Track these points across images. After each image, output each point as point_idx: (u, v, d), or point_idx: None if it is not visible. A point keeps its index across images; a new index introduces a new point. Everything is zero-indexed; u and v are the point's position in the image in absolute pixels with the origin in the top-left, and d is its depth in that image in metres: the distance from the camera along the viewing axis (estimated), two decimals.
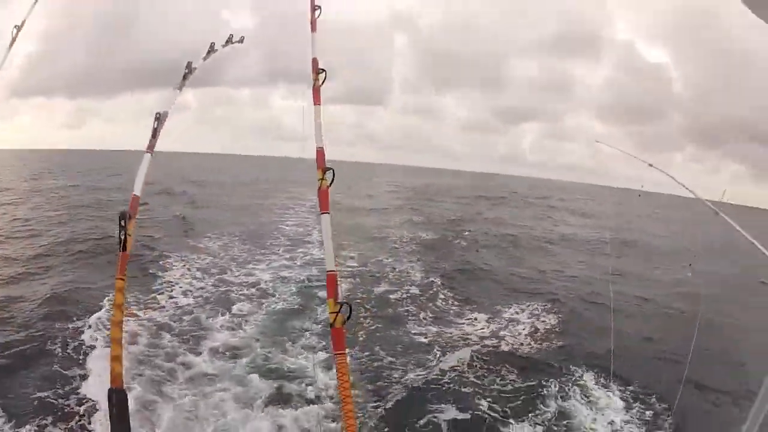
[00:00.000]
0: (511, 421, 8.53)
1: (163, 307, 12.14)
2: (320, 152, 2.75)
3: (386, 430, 7.93)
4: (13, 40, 4.59)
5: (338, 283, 2.33)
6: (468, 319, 13.46)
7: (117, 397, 2.09)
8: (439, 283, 16.19)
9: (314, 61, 3.19)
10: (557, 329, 12.78)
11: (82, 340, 9.65)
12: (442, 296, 15.09)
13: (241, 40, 4.96)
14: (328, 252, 2.38)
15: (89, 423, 7.18)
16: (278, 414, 7.95)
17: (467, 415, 8.57)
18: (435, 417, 8.43)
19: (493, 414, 8.70)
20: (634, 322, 13.45)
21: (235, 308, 12.49)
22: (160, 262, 15.61)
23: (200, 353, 9.86)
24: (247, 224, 24.19)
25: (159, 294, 13.00)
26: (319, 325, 11.40)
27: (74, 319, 10.53)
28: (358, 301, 13.64)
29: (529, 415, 8.71)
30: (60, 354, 9.15)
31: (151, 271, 14.69)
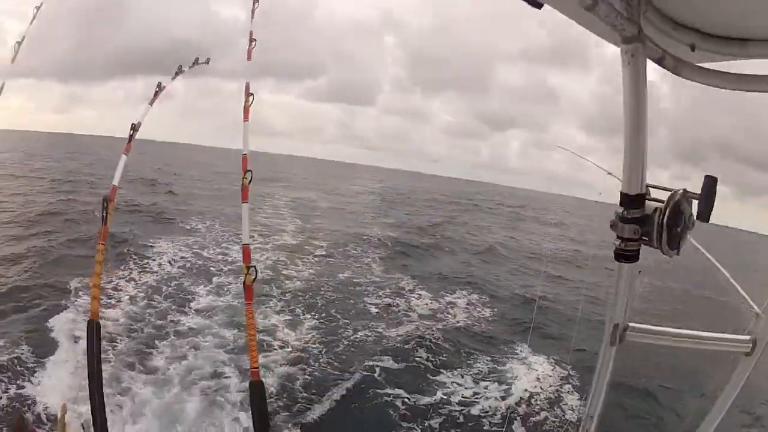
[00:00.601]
0: (442, 371, 10.66)
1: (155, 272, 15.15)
2: (245, 158, 3.55)
3: (332, 371, 10.25)
4: (33, 18, 4.82)
5: (251, 252, 3.16)
6: (416, 295, 16.37)
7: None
8: (397, 274, 18.97)
9: (247, 86, 3.91)
10: (488, 313, 15.42)
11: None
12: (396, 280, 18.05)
13: (207, 62, 5.41)
14: (245, 229, 3.27)
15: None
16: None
17: (402, 365, 10.68)
18: (376, 365, 10.59)
19: (426, 364, 10.85)
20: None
21: (214, 280, 15.04)
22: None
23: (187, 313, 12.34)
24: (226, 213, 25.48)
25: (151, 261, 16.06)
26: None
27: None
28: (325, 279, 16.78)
29: (461, 366, 11.09)
30: None
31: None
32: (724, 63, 1.61)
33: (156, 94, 4.59)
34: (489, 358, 11.67)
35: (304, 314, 13.21)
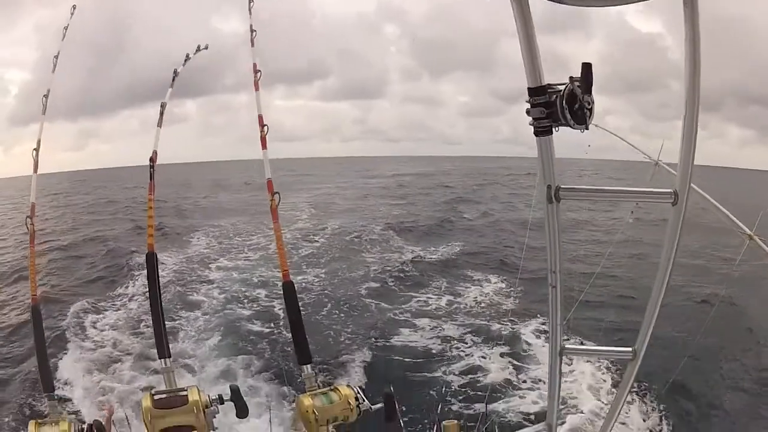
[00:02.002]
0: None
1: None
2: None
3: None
4: (54, 67, 4.81)
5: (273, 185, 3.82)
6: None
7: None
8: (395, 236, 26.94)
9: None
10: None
11: None
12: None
13: (206, 47, 5.31)
14: (267, 169, 3.95)
15: None
16: None
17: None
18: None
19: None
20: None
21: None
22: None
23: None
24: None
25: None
26: None
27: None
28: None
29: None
30: None
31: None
32: None
33: (161, 114, 4.57)
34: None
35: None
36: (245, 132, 4.19)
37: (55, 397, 3.54)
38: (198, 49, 5.17)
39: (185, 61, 5.08)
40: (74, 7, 5.13)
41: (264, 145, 4.12)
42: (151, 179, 4.15)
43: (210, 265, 21.33)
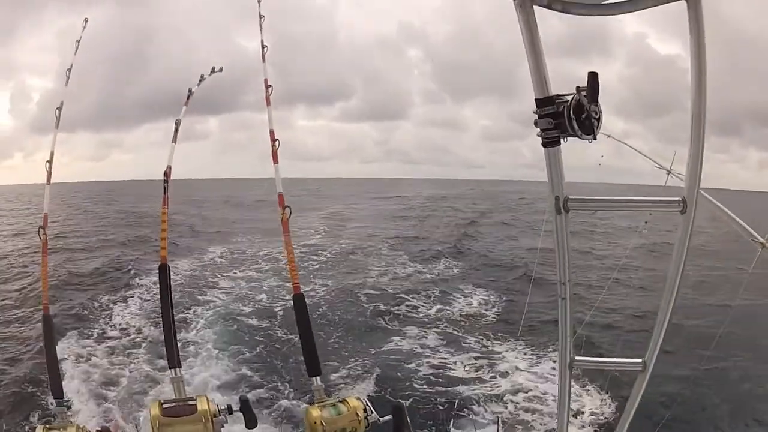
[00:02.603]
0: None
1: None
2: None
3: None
4: (67, 80, 4.78)
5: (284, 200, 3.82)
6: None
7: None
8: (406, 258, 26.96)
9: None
10: None
11: None
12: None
13: (221, 69, 5.23)
14: (278, 182, 3.98)
15: None
16: None
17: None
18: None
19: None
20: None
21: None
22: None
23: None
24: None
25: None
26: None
27: None
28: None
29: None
30: None
31: None
32: None
33: (176, 131, 4.61)
34: None
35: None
36: (265, 149, 4.15)
37: (64, 404, 3.58)
38: (213, 71, 5.18)
39: (200, 81, 5.10)
40: (86, 20, 5.10)
41: (275, 160, 4.12)
42: (164, 193, 4.18)
43: (220, 276, 21.82)
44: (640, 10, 2.24)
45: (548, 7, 2.18)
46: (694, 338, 11.11)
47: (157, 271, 3.90)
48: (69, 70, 4.83)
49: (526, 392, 11.16)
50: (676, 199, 2.42)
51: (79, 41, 4.95)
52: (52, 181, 4.39)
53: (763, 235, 6.05)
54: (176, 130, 4.61)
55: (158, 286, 3.93)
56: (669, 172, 7.25)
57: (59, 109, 4.62)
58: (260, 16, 4.89)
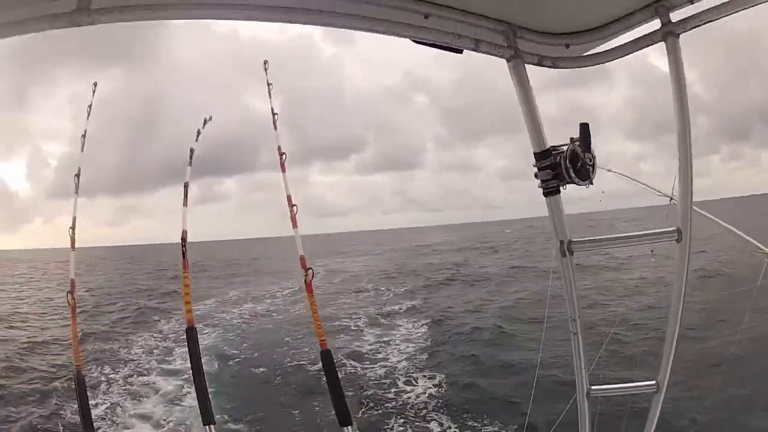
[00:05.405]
0: None
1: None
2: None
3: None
4: (83, 146, 4.72)
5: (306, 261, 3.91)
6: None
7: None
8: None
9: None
10: None
11: None
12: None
13: (210, 118, 5.04)
14: (299, 244, 4.09)
15: None
16: None
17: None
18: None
19: None
20: None
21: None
22: None
23: None
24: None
25: None
26: None
27: None
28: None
29: None
30: None
31: None
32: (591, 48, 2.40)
33: (185, 194, 4.48)
34: None
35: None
36: (284, 209, 4.24)
37: None
38: (204, 122, 5.02)
39: (197, 136, 4.94)
40: (95, 84, 4.97)
41: (294, 224, 4.18)
42: (183, 257, 4.13)
43: (246, 333, 21.97)
44: (624, 56, 2.43)
45: (539, 64, 2.37)
46: (707, 356, 10.99)
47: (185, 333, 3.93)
48: (84, 135, 4.79)
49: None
50: (671, 229, 2.53)
51: (90, 106, 4.85)
52: (75, 247, 4.41)
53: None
54: (185, 194, 4.48)
55: (186, 347, 3.93)
56: (671, 198, 7.31)
57: (77, 175, 4.59)
58: (268, 84, 4.87)
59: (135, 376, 16.40)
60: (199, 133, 4.93)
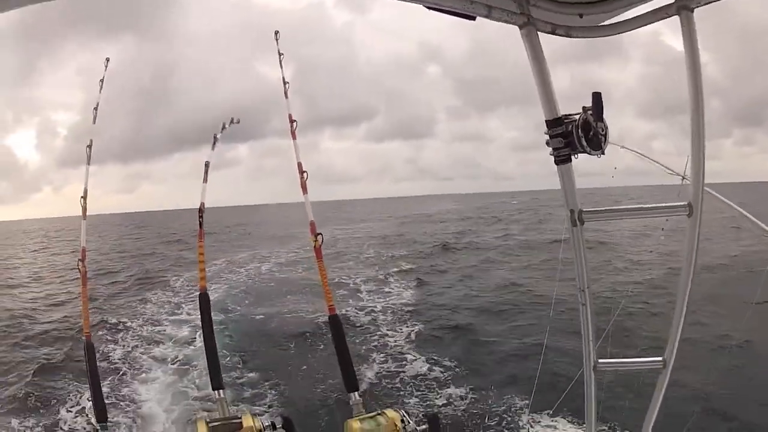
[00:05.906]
0: None
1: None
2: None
3: None
4: (94, 119, 4.75)
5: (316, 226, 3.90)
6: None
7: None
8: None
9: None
10: None
11: None
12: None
13: (238, 121, 5.19)
14: (308, 209, 4.05)
15: None
16: None
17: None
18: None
19: None
20: None
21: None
22: None
23: None
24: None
25: None
26: None
27: None
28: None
29: None
30: None
31: None
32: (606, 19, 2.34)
33: (206, 171, 4.63)
34: None
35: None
36: (295, 175, 4.24)
37: (107, 428, 3.70)
38: (231, 122, 5.14)
39: (222, 129, 5.08)
40: (108, 59, 5.00)
41: (305, 191, 4.21)
42: (200, 227, 4.28)
43: (257, 301, 22.08)
44: (637, 28, 2.37)
45: (552, 33, 2.31)
46: (717, 336, 10.97)
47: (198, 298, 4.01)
48: (96, 108, 4.83)
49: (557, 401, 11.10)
50: (683, 203, 2.51)
51: (102, 80, 4.94)
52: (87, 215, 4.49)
53: None
54: (206, 171, 4.65)
55: (199, 312, 4.01)
56: (683, 177, 7.19)
57: (89, 146, 4.67)
58: (279, 54, 4.92)
59: (149, 325, 17.81)
60: (224, 127, 5.04)
